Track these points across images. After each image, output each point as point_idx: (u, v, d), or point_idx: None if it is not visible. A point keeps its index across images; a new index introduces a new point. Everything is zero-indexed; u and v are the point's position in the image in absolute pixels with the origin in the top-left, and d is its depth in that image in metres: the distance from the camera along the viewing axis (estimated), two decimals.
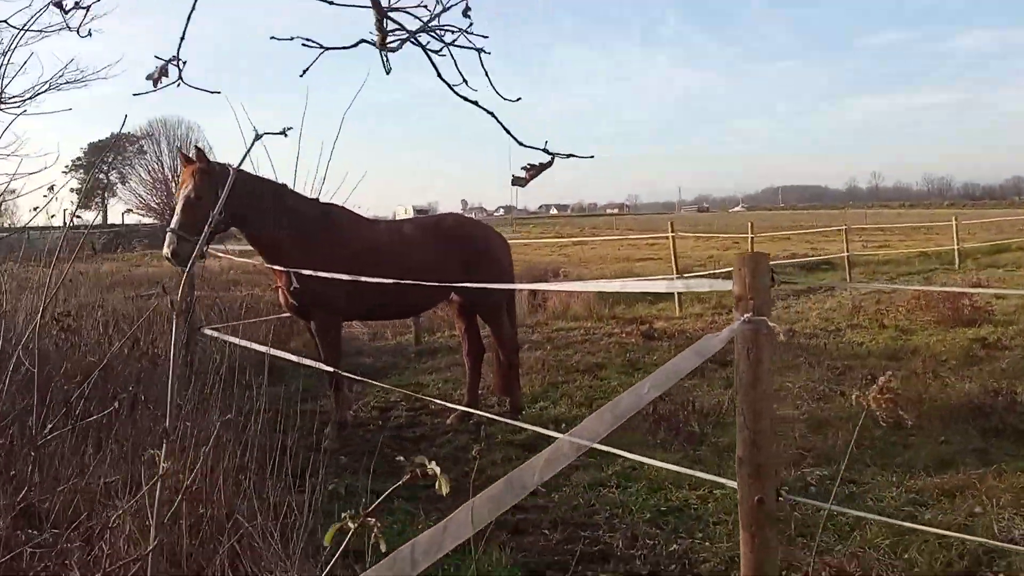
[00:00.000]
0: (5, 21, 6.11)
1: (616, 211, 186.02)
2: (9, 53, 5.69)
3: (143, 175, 57.31)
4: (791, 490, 4.72)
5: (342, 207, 6.75)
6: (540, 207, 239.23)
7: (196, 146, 5.58)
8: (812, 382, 7.48)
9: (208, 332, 6.71)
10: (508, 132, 1.73)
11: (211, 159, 5.88)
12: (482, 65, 1.62)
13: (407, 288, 6.46)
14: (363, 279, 5.33)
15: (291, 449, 5.63)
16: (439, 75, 1.67)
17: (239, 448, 5.03)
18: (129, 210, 56.59)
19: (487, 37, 1.59)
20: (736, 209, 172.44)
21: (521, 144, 1.72)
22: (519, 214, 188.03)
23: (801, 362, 8.48)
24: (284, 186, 6.54)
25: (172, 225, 5.50)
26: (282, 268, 5.97)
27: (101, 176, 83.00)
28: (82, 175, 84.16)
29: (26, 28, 5.83)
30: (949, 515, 4.30)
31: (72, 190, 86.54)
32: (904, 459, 5.25)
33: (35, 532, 3.56)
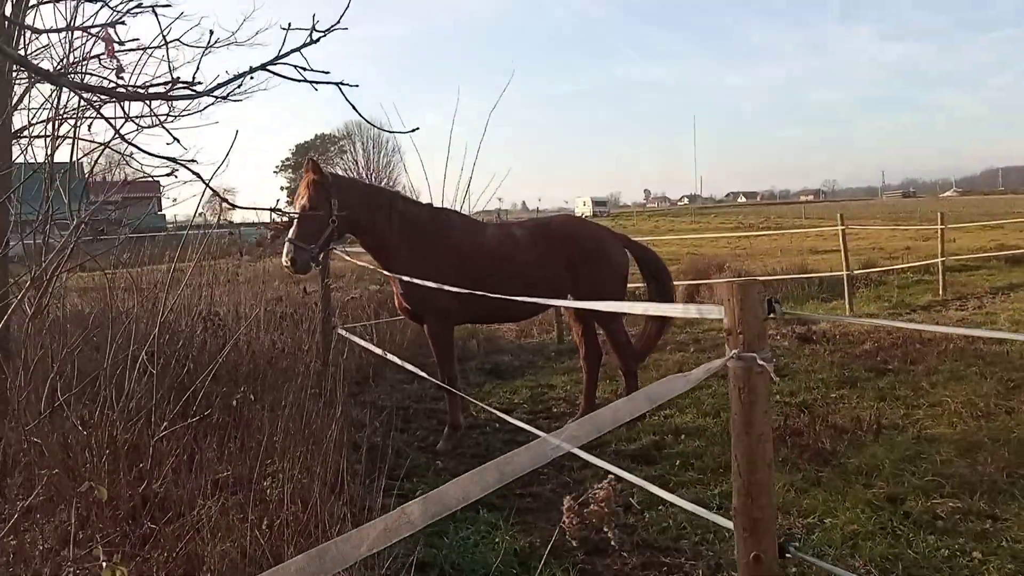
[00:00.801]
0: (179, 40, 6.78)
1: (810, 198, 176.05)
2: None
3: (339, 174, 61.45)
4: (917, 523, 4.30)
5: (453, 211, 6.88)
6: (727, 195, 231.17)
7: (311, 158, 5.87)
8: (977, 397, 6.69)
9: (342, 332, 7.09)
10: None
11: (337, 168, 6.21)
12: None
13: (515, 291, 6.50)
14: (452, 288, 5.31)
15: (405, 450, 5.88)
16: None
17: (350, 451, 5.28)
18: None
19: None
20: (948, 194, 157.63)
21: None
22: (704, 203, 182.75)
23: (972, 372, 7.62)
24: (397, 192, 6.83)
25: (290, 235, 5.75)
26: (391, 274, 6.17)
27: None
28: (289, 174, 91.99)
29: None
30: None
31: (282, 188, 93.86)
32: None
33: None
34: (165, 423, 4.32)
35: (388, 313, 10.11)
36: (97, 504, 4.06)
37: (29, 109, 5.69)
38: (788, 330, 10.36)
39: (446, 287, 5.33)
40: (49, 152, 5.10)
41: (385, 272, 6.32)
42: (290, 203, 5.89)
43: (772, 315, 2.24)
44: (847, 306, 12.57)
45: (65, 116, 5.19)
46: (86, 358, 5.32)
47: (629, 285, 7.21)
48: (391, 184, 54.90)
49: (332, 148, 79.51)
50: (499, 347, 10.43)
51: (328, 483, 4.25)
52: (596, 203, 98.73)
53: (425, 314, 6.22)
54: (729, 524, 2.35)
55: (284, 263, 5.77)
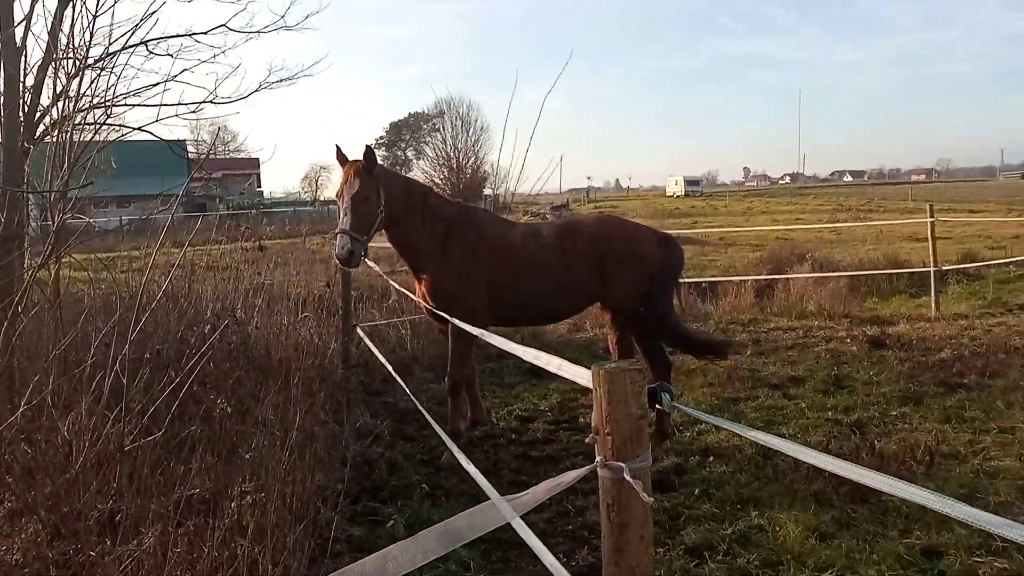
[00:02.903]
0: (225, 25, 6.68)
1: (921, 178, 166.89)
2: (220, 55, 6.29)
3: (428, 153, 61.84)
4: None
5: (482, 208, 6.54)
6: (832, 173, 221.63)
7: (367, 145, 5.58)
8: None
9: (360, 332, 6.85)
10: None
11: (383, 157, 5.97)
12: None
13: (541, 293, 6.10)
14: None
15: (403, 464, 5.57)
16: None
17: (335, 467, 5.01)
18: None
19: None
20: None
21: None
22: (807, 182, 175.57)
23: None
24: (431, 188, 6.54)
25: (343, 226, 5.44)
26: (419, 275, 5.96)
27: (399, 152, 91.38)
28: (384, 152, 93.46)
29: (248, 31, 6.31)
30: None
31: None
32: None
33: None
34: (133, 435, 4.15)
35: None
36: (64, 519, 3.94)
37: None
38: (859, 332, 9.55)
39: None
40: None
41: (412, 269, 6.07)
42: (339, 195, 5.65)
43: (658, 406, 1.77)
44: (933, 305, 11.54)
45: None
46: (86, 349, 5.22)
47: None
48: (479, 163, 54.85)
49: (425, 126, 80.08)
50: (545, 342, 10.01)
51: (292, 508, 3.98)
52: (689, 182, 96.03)
53: (451, 314, 5.86)
54: None
55: (341, 255, 5.45)
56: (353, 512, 4.51)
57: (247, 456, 4.14)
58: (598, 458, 1.75)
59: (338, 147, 5.81)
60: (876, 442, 5.53)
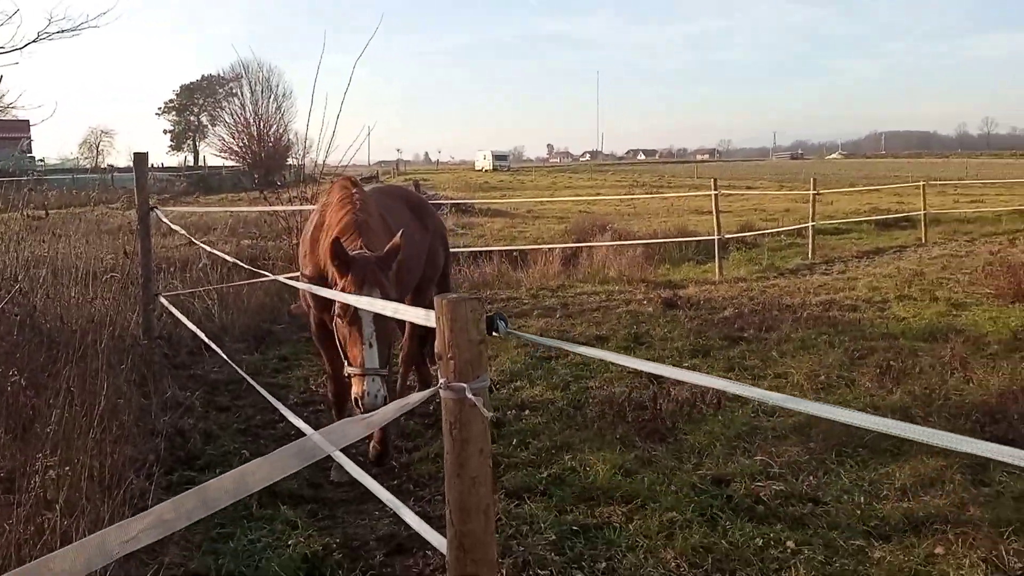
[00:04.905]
0: None
1: (705, 157, 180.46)
2: None
3: (226, 119, 58.20)
4: (737, 508, 4.19)
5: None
6: (627, 152, 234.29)
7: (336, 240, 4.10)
8: (821, 367, 6.74)
9: (163, 301, 6.49)
10: None
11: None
12: None
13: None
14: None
15: (220, 434, 5.38)
16: None
17: (147, 439, 4.78)
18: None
19: None
20: (833, 156, 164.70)
21: None
22: (605, 159, 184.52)
23: (822, 341, 7.70)
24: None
25: (371, 364, 3.91)
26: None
27: (192, 118, 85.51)
28: (174, 116, 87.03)
29: None
30: (904, 554, 3.65)
31: (164, 132, 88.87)
32: (885, 472, 4.57)
33: None
34: None
35: (243, 275, 9.46)
36: None
37: None
38: (655, 295, 10.33)
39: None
40: None
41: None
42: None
43: (495, 333, 1.91)
44: (717, 270, 12.69)
45: None
46: None
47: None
48: (282, 132, 52.47)
49: (220, 91, 75.29)
50: None
51: (103, 480, 3.77)
52: (497, 157, 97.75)
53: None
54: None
55: (372, 404, 3.80)
56: (169, 482, 4.33)
57: (48, 430, 3.85)
58: (441, 380, 1.86)
59: (336, 240, 4.06)
60: (671, 390, 6.06)
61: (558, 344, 2.40)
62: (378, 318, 3.86)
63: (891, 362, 6.63)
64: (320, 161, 13.72)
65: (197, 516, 1.66)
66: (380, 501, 4.27)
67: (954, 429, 5.07)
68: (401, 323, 4.81)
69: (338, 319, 4.03)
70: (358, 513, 4.24)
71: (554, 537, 3.87)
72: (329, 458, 4.67)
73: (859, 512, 4.08)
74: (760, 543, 3.79)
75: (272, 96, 55.25)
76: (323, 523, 4.11)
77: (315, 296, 4.50)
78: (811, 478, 4.54)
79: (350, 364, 3.99)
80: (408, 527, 3.89)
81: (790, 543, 3.79)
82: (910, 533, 3.87)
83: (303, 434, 3.84)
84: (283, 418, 4.99)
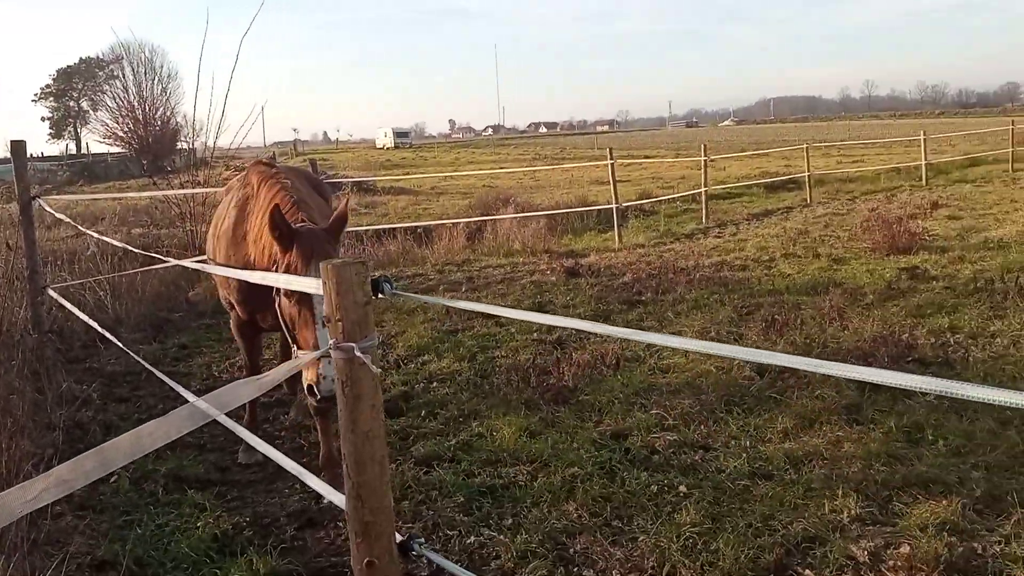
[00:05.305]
0: None
1: (605, 128, 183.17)
2: None
3: (109, 103, 55.39)
4: (634, 459, 4.43)
5: None
6: (529, 125, 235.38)
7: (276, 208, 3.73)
8: (712, 324, 7.11)
9: (52, 294, 6.27)
10: None
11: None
12: None
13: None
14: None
15: (120, 425, 5.29)
16: None
17: (43, 432, 4.67)
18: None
19: None
20: (726, 123, 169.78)
21: None
22: (508, 133, 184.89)
23: (714, 300, 8.10)
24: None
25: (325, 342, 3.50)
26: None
27: (72, 103, 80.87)
28: (52, 102, 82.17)
29: None
30: (784, 490, 3.97)
31: (43, 119, 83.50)
32: (769, 417, 4.91)
33: None
34: None
35: (134, 263, 9.17)
36: None
37: None
38: (557, 264, 10.58)
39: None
40: None
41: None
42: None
43: (380, 295, 2.01)
44: (616, 238, 13.06)
45: None
46: None
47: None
48: (169, 115, 50.38)
49: (101, 73, 71.51)
50: None
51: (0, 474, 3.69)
52: (398, 134, 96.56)
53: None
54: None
55: (330, 390, 3.36)
56: None
57: None
58: (331, 342, 1.95)
59: (276, 208, 3.69)
60: (573, 354, 6.30)
61: (440, 301, 2.54)
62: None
63: (776, 316, 7.05)
64: (211, 144, 13.31)
65: (95, 476, 1.71)
66: (289, 479, 4.34)
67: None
68: None
69: (284, 299, 3.62)
70: (267, 492, 4.28)
71: (462, 499, 4.02)
72: (237, 441, 4.69)
73: (745, 455, 4.39)
74: (655, 489, 4.04)
75: (156, 78, 52.98)
76: (232, 504, 4.14)
77: (240, 290, 4.39)
78: (702, 427, 4.83)
79: (300, 348, 3.57)
80: (319, 501, 4.00)
81: (682, 487, 4.05)
82: (791, 471, 4.20)
83: None
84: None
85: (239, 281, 4.25)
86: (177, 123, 46.24)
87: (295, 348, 3.58)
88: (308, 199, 4.37)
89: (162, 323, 8.08)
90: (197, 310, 8.75)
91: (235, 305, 4.63)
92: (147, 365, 4.74)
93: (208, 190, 11.20)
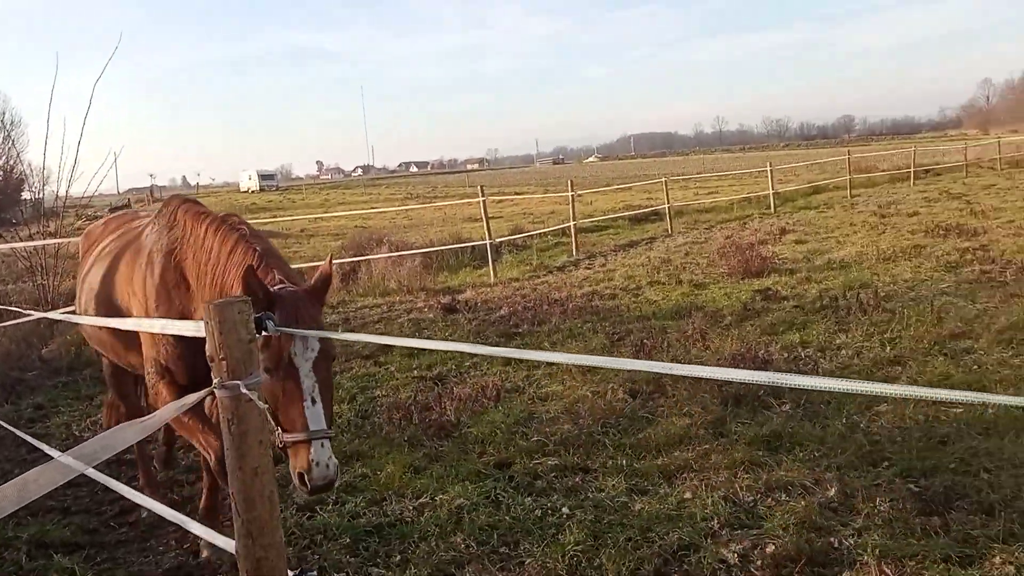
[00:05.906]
0: None
1: (476, 166, 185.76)
2: None
3: None
4: (519, 486, 4.53)
5: None
6: (400, 165, 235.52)
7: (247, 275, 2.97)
8: (588, 352, 7.36)
9: None
10: None
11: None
12: None
13: None
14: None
15: None
16: None
17: None
18: None
19: None
20: (591, 160, 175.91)
21: None
22: (378, 173, 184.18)
23: (587, 328, 8.39)
24: None
25: (324, 424, 2.88)
26: None
27: None
28: None
29: None
30: (659, 503, 4.18)
31: None
32: (643, 437, 5.15)
33: None
34: None
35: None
36: None
37: None
38: (435, 301, 10.66)
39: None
40: None
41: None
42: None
43: (264, 332, 2.05)
44: (491, 272, 13.28)
45: None
46: None
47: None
48: (13, 164, 47.14)
49: None
50: None
51: None
52: (263, 176, 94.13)
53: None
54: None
55: (332, 476, 2.85)
56: None
57: None
58: (215, 380, 1.95)
59: (251, 269, 3.04)
60: (455, 388, 6.38)
61: (327, 335, 2.56)
62: (319, 364, 2.90)
63: (645, 340, 7.39)
64: (62, 193, 12.62)
65: None
66: (163, 535, 4.19)
67: (696, 391, 5.81)
68: None
69: (264, 375, 2.53)
70: (141, 551, 4.10)
71: (349, 541, 4.00)
72: (104, 501, 4.49)
73: (622, 474, 4.59)
74: (539, 514, 4.16)
75: None
76: (103, 566, 3.94)
77: (116, 338, 4.11)
78: (581, 450, 5.01)
79: (286, 431, 2.85)
80: (196, 556, 3.87)
81: (565, 509, 4.19)
82: (665, 485, 4.42)
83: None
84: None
85: (177, 340, 3.53)
86: (21, 172, 43.33)
87: (279, 431, 2.83)
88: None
89: (14, 383, 7.56)
90: (52, 367, 8.25)
91: (168, 369, 3.79)
92: (4, 424, 4.45)
93: (59, 240, 10.64)
